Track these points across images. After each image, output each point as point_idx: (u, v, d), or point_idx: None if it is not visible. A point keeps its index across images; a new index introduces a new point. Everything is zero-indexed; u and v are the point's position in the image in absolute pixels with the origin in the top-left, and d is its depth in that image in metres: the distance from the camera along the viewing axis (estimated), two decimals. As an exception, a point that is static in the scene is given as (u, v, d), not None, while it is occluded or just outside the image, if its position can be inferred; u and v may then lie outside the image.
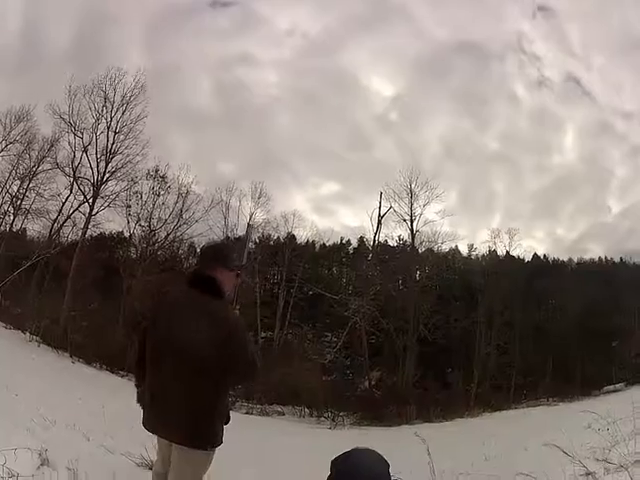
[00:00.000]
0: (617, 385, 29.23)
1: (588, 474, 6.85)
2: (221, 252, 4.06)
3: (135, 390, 4.13)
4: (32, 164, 28.97)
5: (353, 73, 46.93)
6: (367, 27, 47.11)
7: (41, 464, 5.41)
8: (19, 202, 29.19)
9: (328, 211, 51.46)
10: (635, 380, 27.68)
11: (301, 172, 50.08)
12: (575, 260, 39.11)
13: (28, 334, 24.82)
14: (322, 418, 27.63)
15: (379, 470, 2.69)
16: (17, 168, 28.86)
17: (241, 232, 34.04)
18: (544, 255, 39.36)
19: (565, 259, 39.30)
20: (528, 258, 37.61)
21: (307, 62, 44.17)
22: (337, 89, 44.98)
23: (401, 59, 45.61)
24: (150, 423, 3.88)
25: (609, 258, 38.92)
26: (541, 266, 37.55)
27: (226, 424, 3.92)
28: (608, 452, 7.40)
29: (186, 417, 3.66)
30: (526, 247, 36.66)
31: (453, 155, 45.34)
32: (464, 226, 45.22)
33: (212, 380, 3.67)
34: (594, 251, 42.57)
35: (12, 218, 29.39)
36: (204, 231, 32.09)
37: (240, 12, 45.62)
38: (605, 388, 29.16)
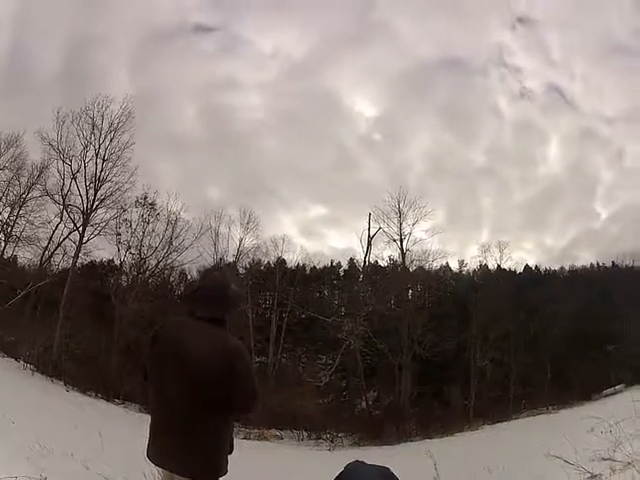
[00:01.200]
0: (617, 387, 29.15)
1: (594, 477, 6.83)
2: (221, 292, 3.88)
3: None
4: (22, 191, 28.79)
5: (336, 94, 47.29)
6: (349, 47, 47.72)
7: (40, 490, 5.34)
8: (9, 229, 28.96)
9: (316, 234, 51.08)
10: (634, 380, 27.64)
11: (288, 195, 50.01)
12: (567, 268, 39.30)
13: (22, 362, 24.67)
14: (320, 440, 27.47)
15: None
16: (7, 194, 28.67)
17: (231, 258, 34.07)
18: (535, 266, 39.55)
19: (557, 268, 39.49)
20: (519, 270, 37.78)
21: (291, 84, 44.40)
22: (321, 111, 45.27)
23: (383, 78, 46.02)
24: (153, 454, 3.76)
25: (601, 263, 39.12)
26: (533, 276, 37.69)
27: (230, 453, 3.84)
28: (613, 453, 7.37)
29: (191, 448, 3.59)
30: (517, 259, 36.87)
31: (439, 171, 45.54)
32: (453, 242, 45.49)
33: (218, 410, 3.63)
34: (585, 258, 42.87)
35: (3, 245, 29.17)
36: (194, 258, 32.10)
37: (223, 36, 46.01)
38: (605, 391, 29.15)
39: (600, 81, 42.71)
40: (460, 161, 44.05)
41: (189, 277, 35.61)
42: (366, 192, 43.19)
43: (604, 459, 7.32)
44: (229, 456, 3.82)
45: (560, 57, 42.84)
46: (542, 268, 39.65)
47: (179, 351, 3.64)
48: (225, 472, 3.75)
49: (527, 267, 39.03)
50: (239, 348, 3.73)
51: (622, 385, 29.13)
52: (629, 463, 6.70)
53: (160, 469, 3.90)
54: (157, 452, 3.72)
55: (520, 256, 37.83)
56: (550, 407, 29.20)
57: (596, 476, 6.80)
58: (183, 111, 44.60)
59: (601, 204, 47.62)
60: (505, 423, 27.93)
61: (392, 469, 3.42)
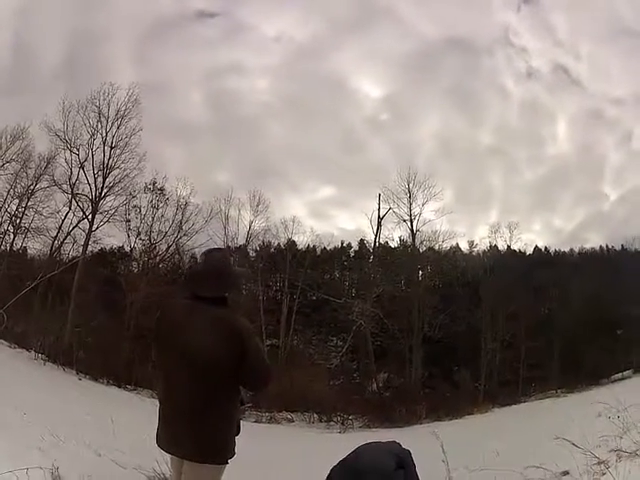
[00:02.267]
0: (625, 372, 29.15)
1: (600, 463, 6.85)
2: (220, 271, 3.93)
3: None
4: (29, 182, 28.90)
5: (342, 76, 46.81)
6: (354, 29, 47.10)
7: (53, 480, 5.41)
8: (18, 221, 29.10)
9: (325, 215, 51.02)
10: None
11: (296, 178, 49.76)
12: (576, 250, 39.09)
13: (33, 352, 24.83)
14: (331, 422, 27.56)
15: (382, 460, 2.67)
16: (15, 187, 28.78)
17: (241, 241, 34.14)
18: (545, 247, 39.36)
19: (566, 250, 39.29)
20: (529, 251, 37.64)
21: (296, 68, 43.96)
22: (327, 93, 44.90)
23: (389, 59, 45.51)
24: (162, 441, 3.82)
25: (610, 247, 38.86)
26: (542, 258, 37.54)
27: (237, 435, 3.86)
28: (620, 440, 7.39)
29: (199, 433, 3.60)
30: (526, 240, 36.69)
31: (447, 152, 45.18)
32: (462, 223, 45.15)
33: (226, 390, 3.66)
34: (593, 240, 42.41)
35: (12, 237, 29.32)
36: (205, 242, 32.07)
37: (226, 21, 45.56)
38: (614, 376, 29.08)
39: (607, 62, 42.22)
40: (468, 141, 43.76)
41: (199, 261, 35.73)
42: (374, 173, 43.08)
43: (610, 450, 7.34)
44: (236, 438, 3.84)
45: (566, 37, 42.25)
46: (552, 250, 39.53)
47: (182, 335, 3.66)
48: (233, 454, 3.78)
49: (537, 248, 38.87)
50: (244, 326, 3.73)
51: (631, 371, 29.17)
52: (636, 450, 6.72)
53: (170, 456, 3.93)
54: (166, 439, 3.77)
55: (529, 237, 37.68)
56: (559, 391, 29.26)
57: (603, 462, 6.82)
58: (189, 97, 44.40)
59: (610, 186, 47.14)
60: (514, 406, 28.02)
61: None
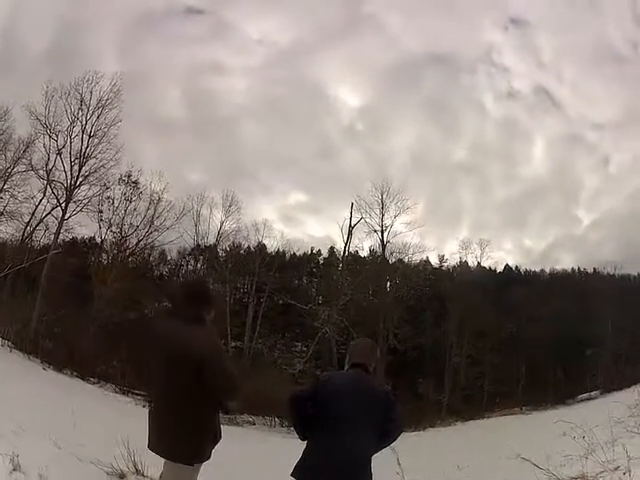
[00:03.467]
0: (592, 393, 29.50)
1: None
2: (205, 294, 4.41)
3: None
4: (7, 165, 28.56)
5: (321, 83, 47.22)
6: (337, 37, 47.51)
7: (13, 469, 5.39)
8: (-7, 203, 28.73)
9: (294, 220, 51.18)
10: (610, 387, 27.88)
11: (268, 181, 50.01)
12: (547, 271, 39.46)
13: (0, 338, 24.57)
14: (292, 428, 27.49)
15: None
16: (-8, 169, 28.42)
17: (212, 240, 34.08)
18: (516, 266, 39.73)
19: (537, 270, 39.65)
20: (499, 269, 37.99)
21: (276, 71, 44.16)
22: (305, 99, 45.26)
23: (369, 69, 46.05)
24: (149, 442, 4.20)
25: (582, 269, 39.31)
26: (513, 277, 37.88)
27: (216, 442, 4.22)
28: (585, 460, 7.45)
29: (173, 432, 3.99)
30: (496, 258, 37.06)
31: (420, 165, 45.78)
32: (431, 237, 45.39)
33: (196, 397, 3.95)
34: (564, 261, 43.10)
35: (-15, 220, 28.91)
36: (175, 238, 32.09)
37: (212, 20, 45.68)
38: (580, 396, 29.47)
39: (590, 87, 42.86)
40: (442, 156, 44.28)
41: (169, 257, 35.65)
42: (346, 182, 43.35)
43: (576, 468, 7.40)
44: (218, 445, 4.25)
45: (550, 60, 42.82)
46: (522, 269, 39.88)
47: (165, 348, 4.06)
48: (207, 458, 4.17)
49: (507, 267, 39.25)
50: (210, 348, 4.04)
51: (597, 391, 29.47)
52: (602, 471, 6.79)
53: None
54: (151, 440, 4.18)
55: (498, 255, 38.06)
56: (523, 408, 29.50)
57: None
58: (168, 93, 44.52)
59: (583, 210, 47.74)
60: (478, 421, 28.22)
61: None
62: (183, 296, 4.24)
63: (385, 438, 4.00)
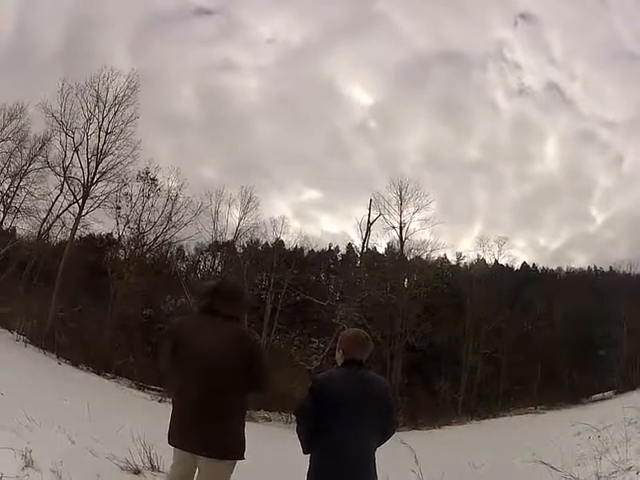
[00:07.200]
0: (606, 393, 29.28)
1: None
2: (243, 296, 4.53)
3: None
4: (23, 162, 28.78)
5: (333, 81, 47.49)
6: (348, 36, 47.63)
7: (25, 465, 5.34)
8: (9, 200, 28.95)
9: (308, 218, 51.24)
10: (625, 388, 27.64)
11: (281, 178, 50.38)
12: (564, 269, 39.14)
13: (15, 333, 24.66)
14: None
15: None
16: (8, 166, 28.65)
17: (229, 237, 34.11)
18: (533, 264, 39.46)
19: (554, 268, 39.35)
20: (517, 267, 37.73)
21: (288, 70, 44.39)
22: (317, 97, 45.49)
23: (381, 68, 46.15)
24: (178, 438, 4.01)
25: (598, 268, 38.97)
26: (530, 275, 37.61)
27: None
28: (599, 460, 7.35)
29: (221, 430, 3.88)
30: (512, 256, 36.82)
31: (433, 163, 45.81)
32: (445, 235, 45.29)
33: (240, 394, 4.00)
34: (578, 260, 42.80)
35: (2, 216, 29.20)
36: (193, 235, 32.12)
37: (223, 20, 46.07)
38: (594, 396, 29.25)
39: (602, 85, 42.51)
40: (454, 153, 44.21)
41: (187, 254, 35.75)
42: (359, 179, 43.36)
43: (590, 468, 7.29)
44: None
45: (562, 57, 42.62)
46: (539, 267, 39.59)
47: (211, 342, 3.97)
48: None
49: (524, 264, 38.99)
50: (253, 340, 4.22)
51: (612, 391, 29.23)
52: (615, 471, 6.69)
53: (179, 452, 4.06)
54: (181, 435, 3.99)
55: (512, 253, 37.84)
56: (538, 407, 29.35)
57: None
58: (181, 91, 44.89)
59: (597, 208, 47.43)
60: (493, 420, 28.10)
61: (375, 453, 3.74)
62: (223, 295, 4.18)
63: (384, 436, 4.01)
